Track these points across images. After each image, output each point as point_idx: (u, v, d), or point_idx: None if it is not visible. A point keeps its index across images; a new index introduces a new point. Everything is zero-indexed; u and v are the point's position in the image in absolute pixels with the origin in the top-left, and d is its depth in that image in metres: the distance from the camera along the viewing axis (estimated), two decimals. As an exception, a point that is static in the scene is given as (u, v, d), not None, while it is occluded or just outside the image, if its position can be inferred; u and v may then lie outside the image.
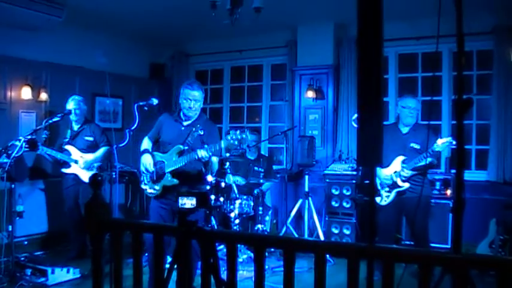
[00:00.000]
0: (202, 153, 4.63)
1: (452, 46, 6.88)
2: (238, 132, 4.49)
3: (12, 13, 6.61)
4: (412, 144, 5.63)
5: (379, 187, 5.90)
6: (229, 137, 4.53)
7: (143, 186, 5.07)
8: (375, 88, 2.46)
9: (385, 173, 5.76)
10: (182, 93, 5.00)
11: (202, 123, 4.97)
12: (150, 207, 5.15)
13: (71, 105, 6.67)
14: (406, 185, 5.63)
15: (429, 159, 5.42)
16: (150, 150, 5.10)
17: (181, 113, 5.07)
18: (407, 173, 5.58)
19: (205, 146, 4.68)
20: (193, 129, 4.87)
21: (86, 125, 6.80)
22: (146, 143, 5.17)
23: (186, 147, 4.84)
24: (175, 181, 4.85)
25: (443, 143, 5.27)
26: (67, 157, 6.57)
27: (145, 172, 5.05)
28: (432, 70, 7.75)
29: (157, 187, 4.94)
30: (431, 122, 7.66)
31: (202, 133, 4.81)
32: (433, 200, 6.61)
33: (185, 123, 5.04)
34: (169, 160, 4.89)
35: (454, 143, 5.23)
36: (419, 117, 6.34)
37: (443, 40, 6.37)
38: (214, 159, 4.96)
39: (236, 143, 4.51)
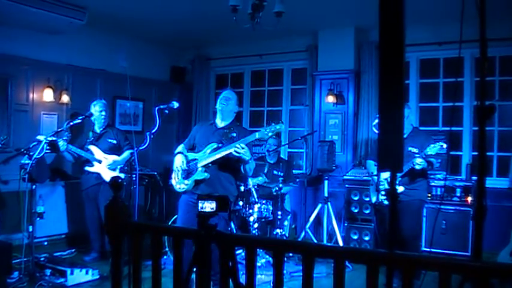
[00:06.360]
0: (239, 145, 4.71)
1: (474, 51, 6.81)
2: (274, 123, 4.70)
3: (35, 16, 6.70)
4: (410, 148, 5.60)
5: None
6: (262, 129, 4.74)
7: (172, 182, 5.17)
8: (396, 93, 2.44)
9: (381, 177, 5.80)
10: None
11: (235, 127, 5.17)
12: (179, 201, 5.24)
13: (96, 108, 6.73)
14: (401, 188, 5.60)
15: (419, 161, 5.45)
16: (184, 153, 5.20)
17: (216, 117, 5.28)
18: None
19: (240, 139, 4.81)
20: (227, 130, 5.07)
21: (108, 128, 6.86)
22: (180, 148, 5.29)
23: (220, 145, 4.94)
24: (207, 175, 4.95)
25: (434, 146, 5.39)
26: (91, 156, 6.61)
27: (176, 170, 5.16)
28: (454, 76, 7.69)
29: (187, 181, 5.03)
30: (453, 129, 7.62)
31: (235, 135, 4.97)
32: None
33: (219, 126, 5.21)
34: (203, 157, 5.00)
35: (445, 146, 5.46)
36: (417, 123, 6.73)
37: (465, 45, 6.25)
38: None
39: (270, 133, 4.71)
